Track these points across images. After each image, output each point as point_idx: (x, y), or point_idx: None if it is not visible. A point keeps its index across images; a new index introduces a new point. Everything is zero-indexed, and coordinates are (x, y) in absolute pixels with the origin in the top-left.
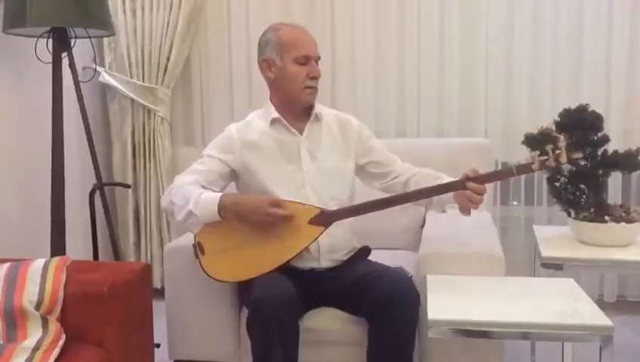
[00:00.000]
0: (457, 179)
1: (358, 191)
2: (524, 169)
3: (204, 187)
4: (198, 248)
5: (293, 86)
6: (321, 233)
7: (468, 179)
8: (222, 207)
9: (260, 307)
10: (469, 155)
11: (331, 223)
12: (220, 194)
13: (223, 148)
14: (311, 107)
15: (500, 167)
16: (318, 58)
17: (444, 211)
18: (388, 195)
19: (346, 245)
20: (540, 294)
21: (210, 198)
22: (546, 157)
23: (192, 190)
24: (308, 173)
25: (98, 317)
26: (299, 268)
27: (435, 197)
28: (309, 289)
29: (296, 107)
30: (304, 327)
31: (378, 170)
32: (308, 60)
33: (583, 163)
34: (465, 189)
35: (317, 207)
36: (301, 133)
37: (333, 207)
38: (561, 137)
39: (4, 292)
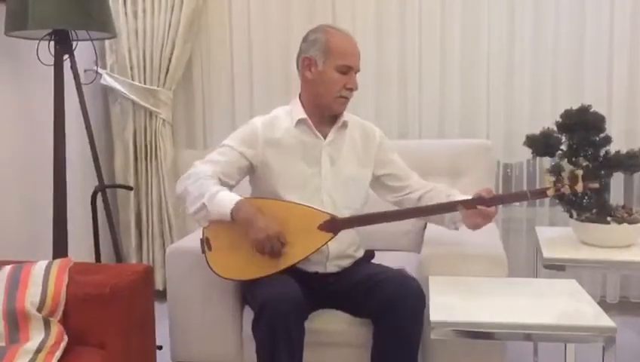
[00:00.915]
0: (470, 197)
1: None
2: (539, 194)
3: (220, 179)
4: (206, 244)
5: (328, 92)
6: (330, 239)
7: (482, 199)
8: (236, 211)
9: (266, 307)
10: (470, 156)
11: (340, 230)
12: (237, 198)
13: (245, 141)
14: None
15: (501, 169)
16: (359, 70)
17: (456, 228)
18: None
19: (353, 254)
20: (543, 295)
21: (227, 199)
22: (561, 185)
23: (210, 185)
24: (326, 178)
25: (100, 319)
26: (303, 271)
27: (447, 215)
28: (313, 291)
29: (325, 112)
30: (308, 328)
31: (394, 183)
32: (349, 71)
33: (585, 164)
34: (474, 208)
35: (328, 213)
36: (325, 137)
37: (345, 214)
38: (577, 168)
39: (6, 294)
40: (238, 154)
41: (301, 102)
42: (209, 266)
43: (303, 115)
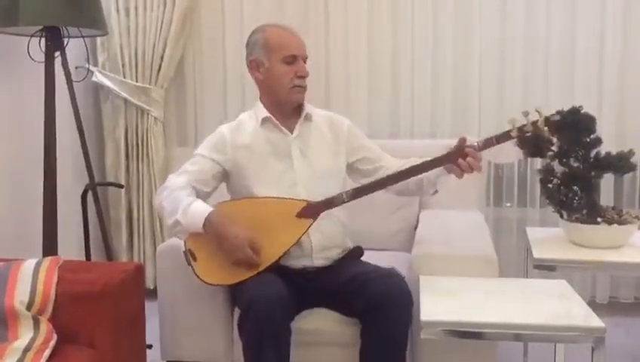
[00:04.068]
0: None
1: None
2: (504, 137)
3: (195, 188)
4: (190, 255)
5: (281, 86)
6: (310, 225)
7: (458, 148)
8: (207, 225)
9: (252, 307)
10: None
11: (319, 214)
12: (208, 210)
13: (214, 147)
14: (301, 106)
15: (492, 170)
16: (306, 57)
17: (436, 192)
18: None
19: (339, 243)
20: (533, 295)
21: (199, 211)
22: (524, 123)
23: (182, 198)
24: (299, 171)
25: (90, 318)
26: (291, 268)
27: (425, 180)
28: (302, 290)
29: (285, 106)
30: (296, 328)
31: (367, 166)
32: (295, 60)
33: (575, 165)
34: (455, 161)
35: (303, 200)
36: (292, 132)
37: None
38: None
39: None
40: (209, 161)
41: (262, 103)
42: (198, 277)
43: (266, 113)
